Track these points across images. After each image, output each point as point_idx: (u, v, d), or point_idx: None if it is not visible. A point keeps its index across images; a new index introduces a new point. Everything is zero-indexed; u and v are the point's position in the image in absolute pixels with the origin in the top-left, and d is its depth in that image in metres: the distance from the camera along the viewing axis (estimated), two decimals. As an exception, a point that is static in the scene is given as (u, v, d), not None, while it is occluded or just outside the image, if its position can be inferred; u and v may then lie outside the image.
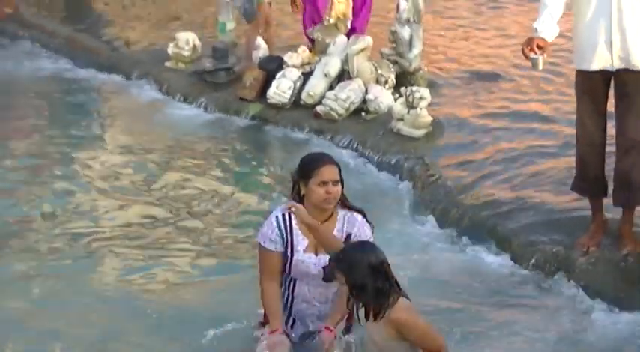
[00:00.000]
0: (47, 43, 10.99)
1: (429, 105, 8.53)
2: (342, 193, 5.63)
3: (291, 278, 5.61)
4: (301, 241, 5.60)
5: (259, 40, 9.48)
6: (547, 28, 6.51)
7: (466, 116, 8.82)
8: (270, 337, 5.50)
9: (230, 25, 9.81)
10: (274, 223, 5.60)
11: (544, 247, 6.90)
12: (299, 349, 5.64)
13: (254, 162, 8.65)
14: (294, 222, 5.60)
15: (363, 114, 8.86)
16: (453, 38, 10.70)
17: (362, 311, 5.16)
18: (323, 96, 8.94)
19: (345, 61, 9.05)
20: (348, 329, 5.72)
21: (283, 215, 5.62)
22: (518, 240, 7.04)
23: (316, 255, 5.61)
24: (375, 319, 5.07)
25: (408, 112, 8.46)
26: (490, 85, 9.43)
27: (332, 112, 8.80)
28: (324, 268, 5.48)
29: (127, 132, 9.25)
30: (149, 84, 10.01)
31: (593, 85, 6.55)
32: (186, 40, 9.95)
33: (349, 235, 5.59)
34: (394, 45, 9.15)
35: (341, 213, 5.63)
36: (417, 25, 9.10)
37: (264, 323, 5.77)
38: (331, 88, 9.00)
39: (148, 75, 10.08)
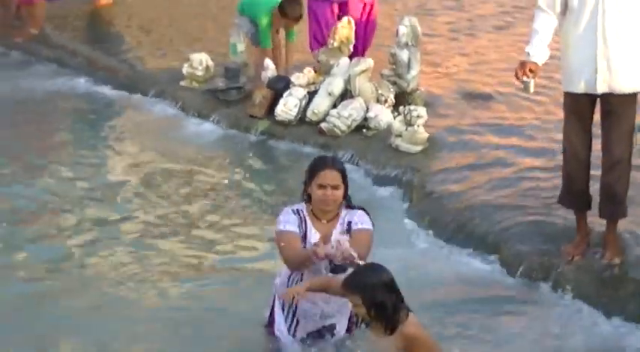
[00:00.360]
0: (70, 62, 10.94)
1: (426, 123, 8.51)
2: (347, 196, 5.66)
3: (298, 278, 5.59)
4: (314, 234, 5.62)
5: (268, 61, 9.48)
6: (538, 52, 6.51)
7: (460, 133, 8.81)
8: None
9: (241, 47, 9.73)
10: (290, 212, 5.65)
11: (532, 256, 6.91)
12: (305, 345, 5.67)
13: (263, 174, 8.66)
14: (307, 216, 5.64)
15: (364, 130, 8.85)
16: (447, 60, 10.65)
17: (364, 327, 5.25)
18: (327, 114, 8.94)
19: (348, 81, 9.04)
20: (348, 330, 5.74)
21: (298, 209, 5.66)
22: (507, 249, 7.05)
23: None
24: (391, 333, 5.09)
25: (406, 129, 8.47)
26: (482, 105, 9.42)
27: (335, 129, 8.81)
28: (330, 260, 5.52)
29: (143, 145, 9.23)
30: (165, 101, 9.97)
31: (579, 106, 6.55)
32: (200, 60, 9.92)
33: (349, 223, 5.63)
34: (393, 67, 9.16)
35: (344, 212, 5.67)
36: (415, 49, 9.12)
37: (270, 324, 5.81)
38: (335, 106, 9.00)
39: (164, 93, 10.04)
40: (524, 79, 6.50)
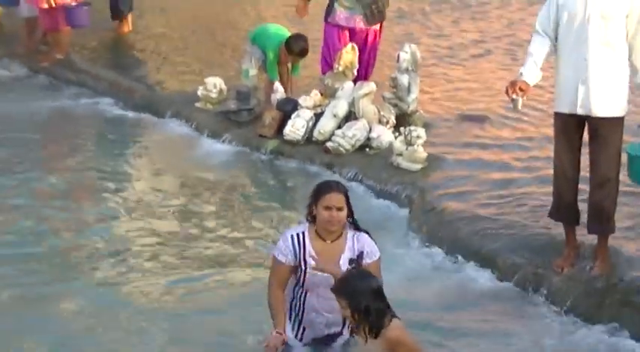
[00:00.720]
0: (92, 85, 10.94)
1: (425, 142, 8.51)
2: (352, 217, 5.66)
3: (303, 291, 5.63)
4: (313, 255, 5.61)
5: (277, 85, 9.49)
6: (530, 73, 6.52)
7: (457, 152, 8.81)
8: (270, 336, 5.53)
9: (252, 72, 9.74)
10: (289, 240, 5.65)
11: (525, 267, 6.90)
12: (312, 349, 5.71)
13: (271, 190, 8.66)
14: (307, 239, 5.63)
15: (367, 149, 8.85)
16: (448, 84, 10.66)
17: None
18: (332, 134, 8.94)
19: (352, 103, 9.03)
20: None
21: (297, 234, 5.65)
22: (502, 261, 7.05)
23: None
24: (375, 337, 5.09)
25: (407, 149, 8.47)
26: (476, 125, 9.41)
27: (340, 148, 8.81)
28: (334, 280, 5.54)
29: (160, 162, 9.24)
30: (181, 121, 9.97)
31: (566, 126, 6.56)
32: (214, 83, 9.92)
33: (361, 253, 5.62)
34: (395, 90, 9.16)
35: (350, 233, 5.65)
36: (415, 73, 9.13)
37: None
38: (339, 127, 8.99)
39: (179, 114, 10.04)
40: (514, 96, 6.50)
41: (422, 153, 8.45)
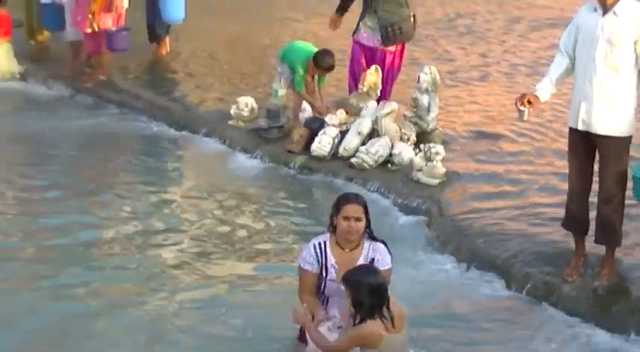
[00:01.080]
0: (132, 104, 10.95)
1: (443, 159, 8.54)
2: (369, 228, 5.68)
3: (324, 297, 5.67)
4: (332, 264, 5.65)
5: (305, 104, 9.55)
6: (543, 88, 6.57)
7: (473, 168, 8.82)
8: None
9: (281, 92, 9.76)
10: (312, 249, 5.68)
11: (536, 276, 6.91)
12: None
13: (299, 203, 8.62)
14: (328, 248, 5.67)
15: (389, 165, 8.86)
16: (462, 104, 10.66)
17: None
18: (356, 150, 8.96)
19: (375, 121, 9.06)
20: None
21: (319, 243, 5.69)
22: (515, 270, 7.05)
23: None
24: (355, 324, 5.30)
25: (426, 164, 8.50)
26: (491, 143, 9.42)
27: (364, 163, 8.83)
28: None
29: (195, 177, 9.26)
30: (215, 138, 9.96)
31: (574, 140, 6.60)
32: (246, 103, 9.95)
33: (372, 259, 5.64)
34: (415, 109, 9.18)
35: (367, 243, 5.67)
36: (434, 94, 9.14)
37: (301, 337, 5.83)
38: (363, 143, 9.01)
39: (214, 131, 10.03)
40: (521, 108, 6.54)
41: (440, 168, 8.47)
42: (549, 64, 6.85)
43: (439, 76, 9.24)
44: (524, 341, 6.34)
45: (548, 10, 14.73)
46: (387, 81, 9.55)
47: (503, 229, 7.59)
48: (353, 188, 8.41)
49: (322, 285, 5.64)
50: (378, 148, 8.85)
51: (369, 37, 9.44)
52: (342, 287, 5.60)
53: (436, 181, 8.46)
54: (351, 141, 9.03)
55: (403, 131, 9.05)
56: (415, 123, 9.15)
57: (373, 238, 5.74)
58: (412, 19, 9.45)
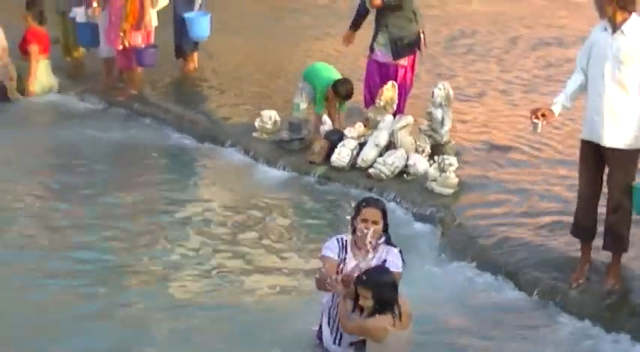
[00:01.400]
0: (162, 117, 10.95)
1: (456, 169, 8.55)
2: (387, 233, 5.73)
3: (340, 297, 5.63)
4: (351, 259, 5.68)
5: (325, 117, 9.57)
6: (557, 102, 6.61)
7: (485, 178, 8.82)
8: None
9: (303, 106, 9.78)
10: (335, 241, 5.76)
11: (544, 281, 6.92)
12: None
13: (319, 211, 8.64)
14: (348, 245, 5.71)
15: (405, 175, 8.87)
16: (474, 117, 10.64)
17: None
18: (374, 161, 8.97)
19: (392, 134, 9.08)
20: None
21: (342, 238, 5.76)
22: (525, 275, 7.07)
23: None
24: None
25: (440, 175, 8.51)
26: (502, 155, 9.41)
27: (381, 174, 8.84)
28: None
29: (221, 186, 9.26)
30: (239, 150, 9.95)
31: (586, 153, 6.62)
32: (269, 116, 9.96)
33: (385, 261, 5.67)
34: (429, 123, 9.20)
35: (383, 246, 5.72)
36: (447, 108, 9.15)
37: (319, 337, 5.86)
38: (380, 155, 9.03)
39: (238, 143, 10.02)
40: (534, 120, 6.57)
41: (454, 179, 8.49)
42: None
43: (452, 91, 9.24)
44: (532, 344, 6.35)
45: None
46: (401, 95, 9.55)
47: (512, 236, 7.60)
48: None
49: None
50: (395, 159, 8.87)
51: (383, 54, 9.49)
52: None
53: (449, 191, 8.47)
54: (369, 153, 9.05)
55: (418, 143, 9.07)
56: (429, 136, 9.16)
57: (389, 243, 5.78)
58: (422, 35, 9.48)
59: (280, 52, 13.20)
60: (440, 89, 9.07)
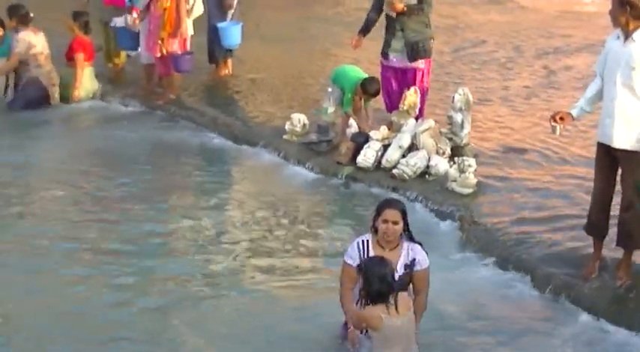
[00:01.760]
0: (198, 120, 10.98)
1: (475, 170, 8.56)
2: (408, 230, 5.77)
3: None
4: None
5: (351, 121, 9.59)
6: (576, 107, 6.64)
7: (502, 179, 8.82)
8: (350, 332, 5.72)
9: (331, 109, 9.80)
10: (355, 246, 5.81)
11: (558, 277, 6.93)
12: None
13: (345, 209, 8.67)
14: (370, 246, 5.75)
15: (427, 176, 8.89)
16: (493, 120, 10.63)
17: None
18: (397, 162, 8.99)
19: (414, 137, 9.09)
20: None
21: (363, 241, 5.80)
22: (539, 271, 7.07)
23: None
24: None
25: (460, 176, 8.53)
26: (518, 157, 9.40)
27: (404, 174, 8.86)
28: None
29: (253, 185, 9.30)
30: (270, 151, 9.97)
31: (600, 155, 6.64)
32: (299, 119, 9.99)
33: (413, 260, 5.75)
34: (450, 126, 9.20)
35: (406, 244, 5.78)
36: (467, 112, 9.15)
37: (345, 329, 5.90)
38: (403, 156, 9.04)
39: (269, 144, 10.05)
40: (553, 123, 6.61)
41: (472, 179, 8.51)
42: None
43: (471, 96, 9.24)
44: (546, 337, 6.37)
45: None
46: (421, 98, 9.58)
47: (529, 233, 7.60)
48: (394, 196, 8.41)
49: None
50: (417, 161, 8.89)
51: (399, 60, 9.51)
52: None
53: (468, 190, 8.48)
54: (393, 154, 9.06)
55: (439, 145, 9.07)
56: (450, 139, 9.16)
57: (411, 239, 5.82)
58: (432, 40, 9.53)
59: (308, 59, 13.23)
60: (460, 94, 9.08)
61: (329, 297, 6.38)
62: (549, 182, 8.68)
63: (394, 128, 9.38)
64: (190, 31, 11.41)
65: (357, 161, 9.16)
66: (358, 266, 5.57)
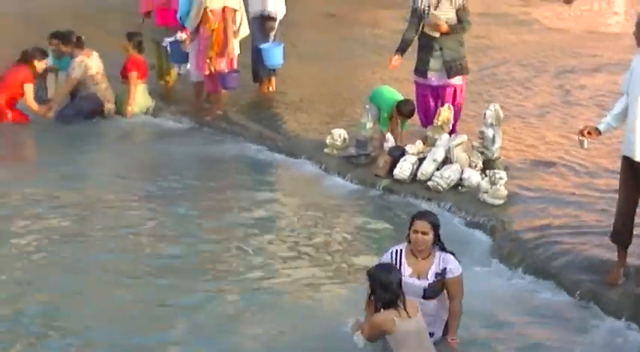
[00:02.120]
0: (243, 134, 11.04)
1: (506, 182, 8.58)
2: (439, 241, 5.81)
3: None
4: (407, 268, 5.79)
5: (389, 136, 9.65)
6: (603, 122, 6.66)
7: (531, 190, 8.81)
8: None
9: (369, 125, 9.84)
10: (389, 254, 5.90)
11: (586, 283, 6.94)
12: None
13: (383, 219, 8.67)
14: (403, 255, 5.82)
15: (460, 188, 8.92)
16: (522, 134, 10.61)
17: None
18: (432, 175, 9.02)
19: (448, 151, 9.13)
20: None
21: (396, 250, 5.89)
22: (568, 278, 7.09)
23: (418, 279, 5.80)
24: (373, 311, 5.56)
25: (491, 187, 8.56)
26: (546, 170, 9.37)
27: (438, 186, 8.90)
28: (424, 289, 5.72)
29: (296, 195, 9.36)
30: (312, 164, 10.02)
31: (625, 168, 6.65)
32: (339, 134, 10.05)
33: (445, 269, 5.79)
34: (482, 140, 9.22)
35: (438, 253, 5.83)
36: (497, 127, 9.17)
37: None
38: (438, 169, 9.07)
39: (311, 157, 10.10)
40: (580, 137, 6.64)
41: (503, 191, 8.53)
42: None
43: (502, 113, 9.26)
44: (573, 341, 6.38)
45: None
46: (455, 115, 9.63)
47: (557, 242, 7.60)
48: (428, 207, 8.48)
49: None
50: (450, 173, 8.92)
51: (438, 78, 9.56)
52: (411, 288, 5.74)
53: (499, 202, 8.50)
54: (428, 167, 9.10)
55: (472, 159, 9.11)
56: (482, 153, 9.18)
57: (443, 249, 5.87)
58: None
59: (347, 77, 13.29)
60: (491, 110, 9.12)
61: (357, 298, 6.41)
62: (576, 193, 8.69)
63: (429, 142, 9.43)
64: (237, 51, 11.54)
65: (393, 173, 9.19)
66: (367, 272, 5.60)
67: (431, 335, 5.86)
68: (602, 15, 18.71)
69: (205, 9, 11.12)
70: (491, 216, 8.31)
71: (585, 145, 6.72)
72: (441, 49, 9.43)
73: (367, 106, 9.91)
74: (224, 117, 11.49)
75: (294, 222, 8.51)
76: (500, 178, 8.52)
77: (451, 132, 9.50)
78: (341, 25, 17.05)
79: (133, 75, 11.72)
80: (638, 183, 6.62)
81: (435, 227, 5.82)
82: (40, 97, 11.75)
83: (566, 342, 6.38)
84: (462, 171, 8.97)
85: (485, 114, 9.16)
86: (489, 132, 9.12)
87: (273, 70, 12.26)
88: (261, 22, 11.91)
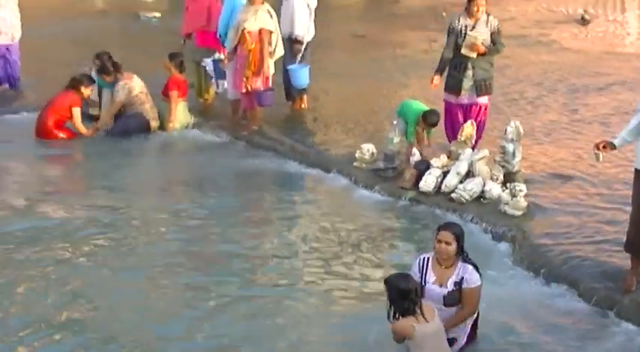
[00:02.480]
0: (279, 149, 11.08)
1: (525, 195, 8.59)
2: (463, 251, 5.85)
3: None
4: (432, 275, 5.84)
5: (414, 150, 9.70)
6: (619, 137, 6.64)
7: (550, 202, 8.82)
8: None
9: (396, 139, 9.88)
10: (417, 263, 5.95)
11: (602, 291, 6.94)
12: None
13: (409, 229, 8.70)
14: (430, 262, 5.85)
15: (482, 199, 8.93)
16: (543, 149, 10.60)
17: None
18: (456, 188, 9.04)
19: (471, 164, 9.16)
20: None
21: (424, 258, 5.93)
22: (584, 285, 7.09)
23: (440, 286, 5.83)
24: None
25: (511, 199, 8.57)
26: (564, 182, 9.38)
27: (461, 198, 8.92)
28: (444, 296, 5.75)
29: (327, 207, 9.38)
30: (342, 176, 10.03)
31: (636, 180, 6.65)
32: (368, 148, 10.08)
33: (462, 278, 5.81)
34: (502, 155, 9.23)
35: (460, 264, 5.86)
36: (518, 143, 9.18)
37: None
38: (461, 182, 9.10)
39: (342, 171, 10.10)
40: (596, 151, 6.63)
41: (523, 202, 8.54)
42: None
43: (522, 129, 9.28)
44: (589, 347, 6.40)
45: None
46: (479, 130, 9.67)
47: (574, 251, 7.61)
48: (452, 218, 8.51)
49: (421, 291, 5.77)
50: (473, 186, 8.95)
51: (469, 97, 9.61)
52: (434, 295, 5.77)
53: (520, 213, 8.50)
54: (452, 180, 9.12)
55: (493, 172, 9.12)
56: (503, 166, 9.18)
57: (465, 260, 5.89)
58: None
59: (375, 95, 13.32)
60: (512, 127, 9.14)
61: (379, 305, 6.40)
62: (592, 205, 8.69)
63: (453, 156, 9.46)
64: (272, 70, 11.60)
65: (419, 186, 9.21)
66: (385, 281, 5.62)
67: (454, 340, 5.88)
68: (617, 36, 18.63)
69: (243, 30, 11.23)
70: (512, 226, 8.31)
71: (600, 158, 6.71)
72: (473, 68, 9.46)
73: (395, 122, 9.96)
74: (259, 132, 11.54)
75: (326, 231, 8.52)
76: (521, 190, 8.53)
77: (474, 147, 9.52)
78: (370, 45, 17.09)
79: (174, 94, 11.83)
80: None
81: (459, 238, 5.86)
82: (84, 113, 11.86)
83: (582, 348, 6.39)
84: (484, 183, 8.99)
85: (506, 130, 9.19)
86: (510, 147, 9.13)
87: (304, 88, 12.31)
88: (290, 44, 12.00)
